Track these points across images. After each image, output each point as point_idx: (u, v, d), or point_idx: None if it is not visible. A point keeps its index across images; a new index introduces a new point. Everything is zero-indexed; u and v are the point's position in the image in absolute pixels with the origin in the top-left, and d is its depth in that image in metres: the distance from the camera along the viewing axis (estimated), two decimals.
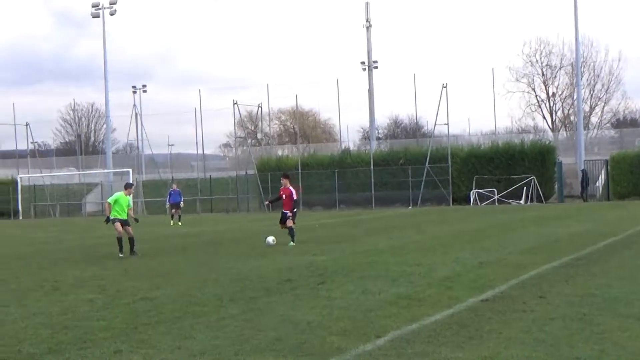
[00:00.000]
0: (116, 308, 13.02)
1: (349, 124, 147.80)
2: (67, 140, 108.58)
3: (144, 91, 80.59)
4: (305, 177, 64.87)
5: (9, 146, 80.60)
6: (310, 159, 68.18)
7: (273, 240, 24.20)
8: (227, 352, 9.35)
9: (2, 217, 72.41)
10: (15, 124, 77.41)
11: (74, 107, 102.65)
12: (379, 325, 10.65)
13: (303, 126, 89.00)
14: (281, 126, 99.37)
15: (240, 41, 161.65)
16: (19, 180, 73.18)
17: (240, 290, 14.59)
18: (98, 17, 74.28)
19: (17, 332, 11.11)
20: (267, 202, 28.22)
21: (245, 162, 71.49)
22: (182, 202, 46.02)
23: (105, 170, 76.58)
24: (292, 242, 24.36)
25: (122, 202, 22.90)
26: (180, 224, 43.66)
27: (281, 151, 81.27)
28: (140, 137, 78.13)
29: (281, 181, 25.37)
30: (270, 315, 11.70)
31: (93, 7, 74.02)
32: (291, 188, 24.91)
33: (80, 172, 79.74)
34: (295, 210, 24.88)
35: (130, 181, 64.49)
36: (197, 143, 75.40)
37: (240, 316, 11.73)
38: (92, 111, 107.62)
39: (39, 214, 72.94)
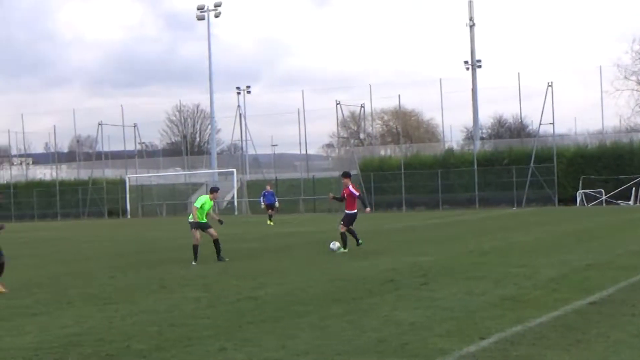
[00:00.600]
0: (221, 307, 13.19)
1: (452, 123, 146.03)
2: (173, 140, 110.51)
3: (248, 92, 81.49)
4: (408, 177, 64.63)
5: (118, 147, 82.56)
6: (413, 159, 67.85)
7: (333, 244, 23.20)
8: (330, 352, 9.37)
9: (112, 216, 74.14)
10: (123, 125, 79.18)
11: (180, 108, 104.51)
12: (483, 326, 10.53)
13: (406, 126, 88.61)
14: (384, 126, 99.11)
15: (343, 42, 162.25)
16: (127, 180, 74.79)
17: (343, 291, 14.61)
18: (203, 19, 75.49)
19: (126, 329, 11.35)
20: (331, 196, 25.74)
21: (348, 162, 71.56)
22: (276, 203, 47.47)
23: (210, 171, 77.71)
24: (342, 248, 23.09)
25: (206, 206, 22.24)
26: (271, 223, 44.27)
27: (384, 151, 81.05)
28: (244, 138, 79.09)
29: (342, 181, 24.27)
30: (373, 316, 11.68)
31: (198, 9, 75.25)
32: (351, 188, 23.58)
33: (186, 172, 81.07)
34: (353, 212, 23.51)
35: (235, 181, 65.30)
36: (300, 143, 75.91)
37: (343, 316, 11.75)
38: (197, 112, 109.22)
39: (146, 213, 74.40)
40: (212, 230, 21.97)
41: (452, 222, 40.81)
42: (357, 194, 23.66)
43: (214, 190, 22.75)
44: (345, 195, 23.67)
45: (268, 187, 48.69)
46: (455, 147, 75.09)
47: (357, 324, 11.08)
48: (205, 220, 22.13)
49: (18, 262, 22.68)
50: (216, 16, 74.89)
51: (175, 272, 19.21)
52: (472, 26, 69.94)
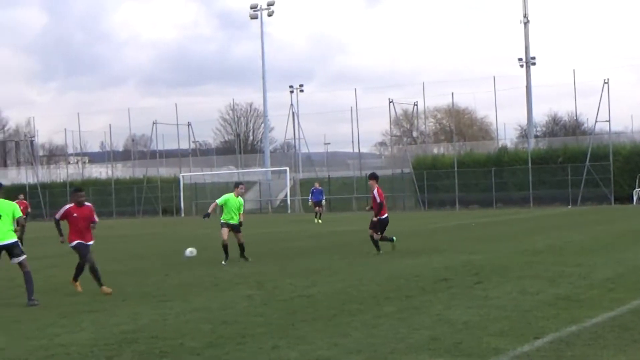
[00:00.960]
0: (274, 304, 13.24)
1: (506, 121, 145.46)
2: (226, 139, 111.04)
3: (301, 91, 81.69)
4: (462, 176, 64.29)
5: (172, 145, 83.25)
6: (467, 157, 67.51)
7: (191, 252, 22.04)
8: (383, 350, 9.35)
9: (166, 214, 74.69)
10: (177, 124, 79.80)
11: (233, 107, 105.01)
12: (537, 326, 10.44)
13: (459, 124, 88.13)
14: (437, 124, 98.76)
15: (396, 40, 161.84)
16: (181, 178, 75.32)
17: (396, 289, 14.58)
18: (256, 18, 75.82)
19: (179, 327, 11.45)
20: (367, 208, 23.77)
21: (401, 160, 71.42)
22: (323, 201, 47.81)
23: (263, 169, 78.02)
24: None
25: (231, 204, 21.57)
26: (320, 221, 44.51)
27: (437, 149, 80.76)
28: (297, 136, 79.27)
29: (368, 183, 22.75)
30: (426, 314, 11.64)
31: (251, 8, 75.58)
32: (375, 192, 22.04)
33: (239, 171, 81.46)
34: (378, 218, 22.03)
35: (288, 179, 65.28)
36: (352, 141, 75.90)
37: (396, 314, 11.72)
38: (250, 111, 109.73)
39: (200, 211, 74.72)
40: (240, 235, 21.62)
41: (505, 220, 40.50)
42: (379, 200, 22.07)
43: (236, 186, 22.16)
44: (372, 198, 22.39)
45: (316, 185, 48.83)
46: (509, 145, 74.62)
47: (409, 322, 11.05)
48: (235, 221, 21.66)
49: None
50: (269, 15, 75.23)
51: (228, 270, 19.33)
52: (526, 23, 69.23)
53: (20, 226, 15.22)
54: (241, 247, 21.64)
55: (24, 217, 36.48)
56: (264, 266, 19.86)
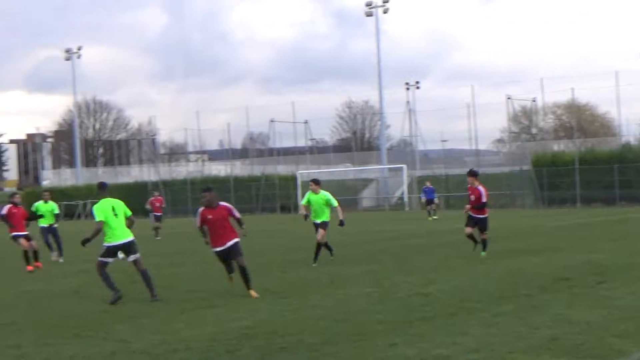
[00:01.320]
0: (391, 302, 13.22)
1: (629, 117, 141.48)
2: (343, 136, 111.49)
3: (417, 87, 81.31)
4: (583, 173, 62.85)
5: (289, 143, 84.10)
6: (588, 154, 65.86)
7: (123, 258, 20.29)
8: (501, 349, 9.24)
9: (284, 211, 75.32)
10: (294, 122, 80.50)
11: (350, 104, 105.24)
12: None
13: (579, 120, 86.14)
14: (556, 120, 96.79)
15: (513, 35, 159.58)
16: (298, 176, 75.81)
17: (513, 287, 14.37)
18: (372, 15, 75.79)
19: (297, 323, 11.55)
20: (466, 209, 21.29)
21: (520, 157, 70.31)
22: (436, 199, 48.90)
23: (380, 166, 77.96)
24: (483, 252, 20.46)
25: (314, 202, 20.51)
26: (436, 217, 45.88)
27: (557, 146, 79.18)
28: (413, 133, 78.92)
29: (468, 179, 21.44)
30: (546, 314, 11.44)
31: (367, 6, 75.61)
32: (480, 187, 20.85)
33: (356, 168, 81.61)
34: (480, 217, 20.67)
35: (405, 177, 64.89)
36: (470, 138, 75.15)
37: (514, 313, 11.56)
38: (366, 108, 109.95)
39: None
40: (319, 232, 20.55)
41: (629, 219, 39.44)
42: (485, 199, 20.77)
43: (311, 183, 20.87)
44: (474, 196, 20.99)
45: (428, 184, 49.62)
46: (632, 141, 72.51)
47: (528, 321, 10.88)
48: (320, 219, 20.57)
49: (196, 257, 23.46)
50: (384, 12, 75.08)
51: (345, 267, 19.38)
52: None
53: (129, 222, 15.39)
54: (318, 247, 20.64)
55: (160, 214, 39.36)
56: (381, 264, 19.85)
